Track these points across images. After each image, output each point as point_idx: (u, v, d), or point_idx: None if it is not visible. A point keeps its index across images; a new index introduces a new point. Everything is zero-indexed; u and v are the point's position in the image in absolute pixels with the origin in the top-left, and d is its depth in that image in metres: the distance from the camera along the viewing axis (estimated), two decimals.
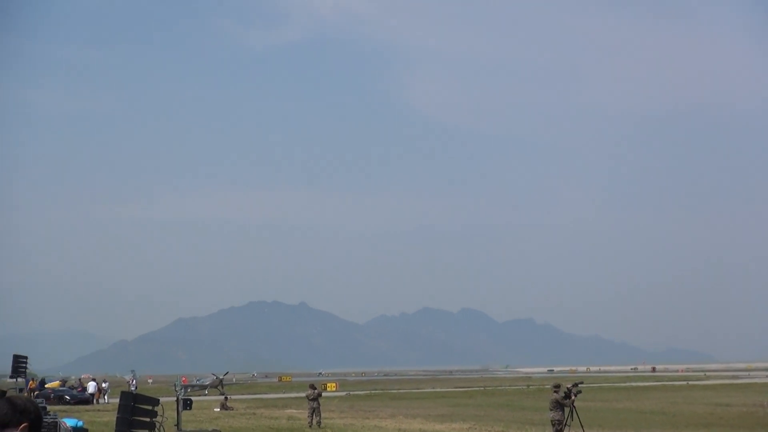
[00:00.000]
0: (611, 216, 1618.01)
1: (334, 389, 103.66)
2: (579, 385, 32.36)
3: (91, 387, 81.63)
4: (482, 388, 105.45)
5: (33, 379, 61.43)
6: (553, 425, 30.62)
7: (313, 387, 47.42)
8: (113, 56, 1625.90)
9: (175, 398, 31.75)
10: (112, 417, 35.85)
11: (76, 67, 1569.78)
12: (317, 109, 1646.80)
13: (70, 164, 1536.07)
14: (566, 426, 30.51)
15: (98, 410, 63.94)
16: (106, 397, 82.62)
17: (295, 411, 58.42)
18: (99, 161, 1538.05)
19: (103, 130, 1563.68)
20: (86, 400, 77.08)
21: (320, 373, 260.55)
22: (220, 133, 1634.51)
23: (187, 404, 25.35)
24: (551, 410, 31.00)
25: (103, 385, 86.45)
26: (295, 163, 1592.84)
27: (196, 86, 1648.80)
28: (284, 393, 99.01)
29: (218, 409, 61.01)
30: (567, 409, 30.73)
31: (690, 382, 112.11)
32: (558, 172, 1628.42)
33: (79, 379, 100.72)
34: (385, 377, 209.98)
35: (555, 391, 31.48)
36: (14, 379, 44.63)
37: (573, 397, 31.06)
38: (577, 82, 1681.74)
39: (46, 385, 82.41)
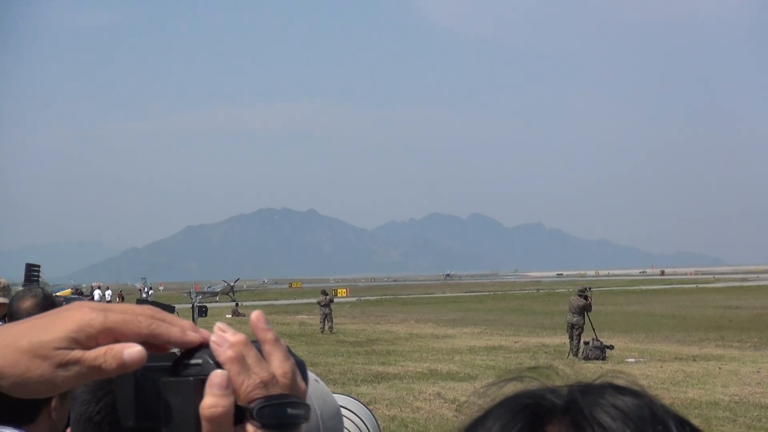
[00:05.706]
0: (619, 123, 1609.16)
1: (345, 295, 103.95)
2: (589, 290, 32.96)
3: (96, 295, 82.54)
4: (492, 293, 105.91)
5: None
6: (575, 329, 30.78)
7: (324, 293, 47.54)
8: None
9: (190, 305, 31.82)
10: None
11: None
12: (327, 20, 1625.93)
13: (81, 79, 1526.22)
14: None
15: None
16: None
17: (306, 317, 58.79)
18: (110, 76, 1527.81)
19: (113, 44, 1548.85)
20: None
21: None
22: (231, 46, 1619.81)
23: (203, 311, 25.32)
24: (576, 314, 31.16)
25: (106, 293, 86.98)
26: (307, 75, 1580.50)
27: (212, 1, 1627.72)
28: (295, 299, 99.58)
29: (230, 316, 61.46)
30: (586, 315, 31.11)
31: (699, 285, 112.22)
32: (567, 82, 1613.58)
33: (91, 287, 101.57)
34: (395, 283, 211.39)
35: (580, 296, 31.87)
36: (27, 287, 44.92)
37: (588, 301, 31.54)
38: None
39: (57, 294, 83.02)
